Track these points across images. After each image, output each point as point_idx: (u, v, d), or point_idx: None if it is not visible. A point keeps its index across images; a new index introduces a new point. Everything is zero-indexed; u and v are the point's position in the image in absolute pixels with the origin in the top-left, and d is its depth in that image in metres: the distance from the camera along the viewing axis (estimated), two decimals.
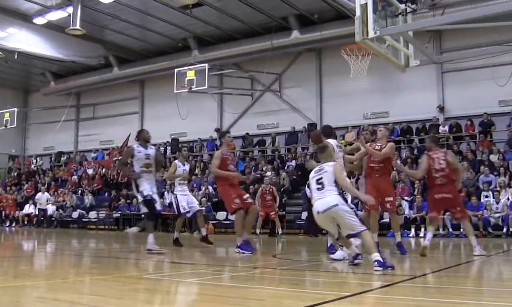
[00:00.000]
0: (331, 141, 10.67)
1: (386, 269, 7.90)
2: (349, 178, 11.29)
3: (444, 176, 11.61)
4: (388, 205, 11.53)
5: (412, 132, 28.33)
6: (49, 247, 14.31)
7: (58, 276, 7.59)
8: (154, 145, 37.07)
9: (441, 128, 27.64)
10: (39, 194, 33.65)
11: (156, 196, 12.55)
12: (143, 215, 13.96)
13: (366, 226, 8.79)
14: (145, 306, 5.68)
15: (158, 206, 12.64)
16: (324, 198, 8.51)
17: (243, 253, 11.69)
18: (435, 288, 6.32)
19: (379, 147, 11.75)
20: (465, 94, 27.73)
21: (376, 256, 8.07)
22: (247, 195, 13.13)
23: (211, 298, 5.76)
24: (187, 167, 16.25)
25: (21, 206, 36.12)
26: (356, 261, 8.86)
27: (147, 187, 12.47)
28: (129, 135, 35.85)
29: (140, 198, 12.47)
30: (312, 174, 8.85)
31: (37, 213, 33.20)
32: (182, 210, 15.26)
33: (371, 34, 11.80)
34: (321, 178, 8.69)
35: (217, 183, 13.75)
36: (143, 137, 13.14)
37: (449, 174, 11.68)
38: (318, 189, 8.65)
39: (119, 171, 11.62)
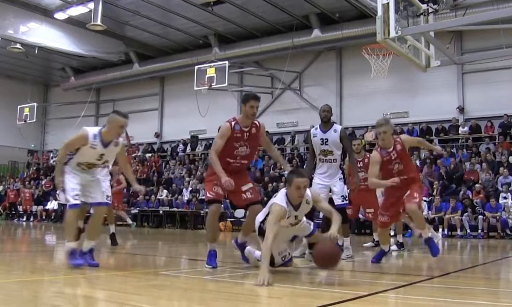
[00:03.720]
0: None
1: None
2: None
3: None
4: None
5: (431, 132, 28.24)
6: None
7: (76, 271, 7.62)
8: (173, 142, 37.72)
9: (460, 129, 27.56)
10: None
11: None
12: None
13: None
14: (162, 302, 5.69)
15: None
16: None
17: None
18: (452, 289, 6.29)
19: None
20: (486, 95, 27.60)
21: None
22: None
23: (228, 296, 5.76)
24: None
25: (39, 201, 36.37)
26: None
27: None
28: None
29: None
30: None
31: (56, 208, 33.36)
32: None
33: (393, 33, 11.74)
34: None
35: None
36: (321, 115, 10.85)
37: None
38: None
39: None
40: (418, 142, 11.16)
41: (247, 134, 8.50)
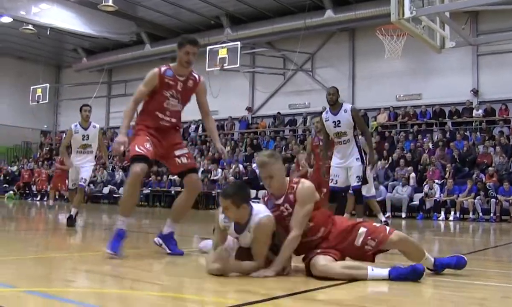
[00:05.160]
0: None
1: None
2: None
3: None
4: None
5: (444, 115, 28.10)
6: (80, 221, 14.41)
7: (89, 249, 7.64)
8: (185, 123, 37.75)
9: (474, 111, 27.38)
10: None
11: None
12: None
13: None
14: (174, 279, 5.69)
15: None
16: None
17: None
18: (464, 271, 6.24)
19: None
20: (500, 78, 27.35)
21: None
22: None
23: (237, 281, 5.72)
24: None
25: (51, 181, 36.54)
26: None
27: None
28: None
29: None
30: None
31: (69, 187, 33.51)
32: None
33: (407, 14, 11.68)
34: None
35: None
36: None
37: None
38: None
39: None
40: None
41: (182, 84, 7.24)
